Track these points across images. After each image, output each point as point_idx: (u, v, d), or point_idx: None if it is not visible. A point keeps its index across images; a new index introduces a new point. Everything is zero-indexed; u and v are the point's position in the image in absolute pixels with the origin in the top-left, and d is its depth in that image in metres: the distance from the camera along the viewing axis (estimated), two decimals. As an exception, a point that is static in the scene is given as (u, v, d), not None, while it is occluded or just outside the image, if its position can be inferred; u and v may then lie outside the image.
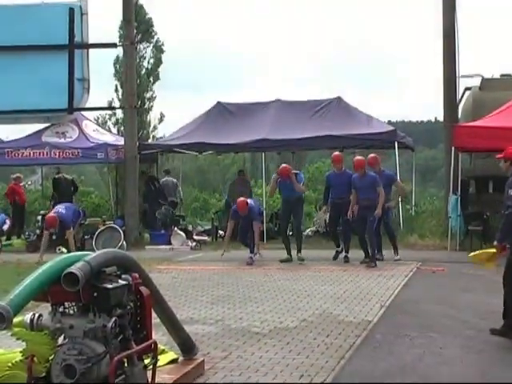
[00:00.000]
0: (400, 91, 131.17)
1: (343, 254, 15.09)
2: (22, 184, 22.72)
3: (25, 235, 20.23)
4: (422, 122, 75.25)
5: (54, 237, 16.86)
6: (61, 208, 16.89)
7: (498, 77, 20.16)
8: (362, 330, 8.36)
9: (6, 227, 17.77)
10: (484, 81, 19.46)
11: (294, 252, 15.07)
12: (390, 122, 26.97)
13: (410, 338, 7.94)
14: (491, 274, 12.58)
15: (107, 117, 33.02)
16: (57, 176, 22.10)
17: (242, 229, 15.37)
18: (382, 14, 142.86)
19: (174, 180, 22.78)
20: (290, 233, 16.72)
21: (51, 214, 16.15)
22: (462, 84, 19.82)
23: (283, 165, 15.81)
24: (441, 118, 21.42)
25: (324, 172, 42.86)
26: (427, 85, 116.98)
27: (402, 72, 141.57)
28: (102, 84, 40.41)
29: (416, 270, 13.80)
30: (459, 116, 19.82)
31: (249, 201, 15.29)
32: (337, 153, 15.79)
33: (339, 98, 21.64)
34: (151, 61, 34.13)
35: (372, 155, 15.42)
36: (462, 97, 20.02)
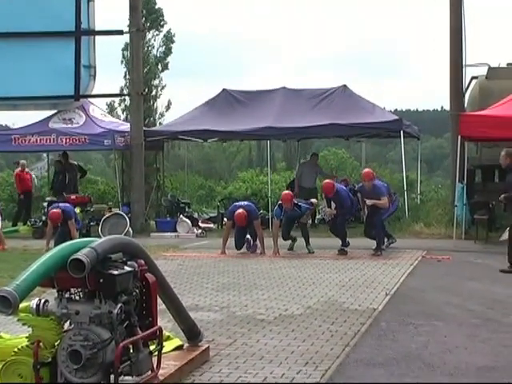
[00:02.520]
0: (406, 81, 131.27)
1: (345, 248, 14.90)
2: (27, 171, 22.69)
3: (31, 221, 20.28)
4: (428, 110, 75.25)
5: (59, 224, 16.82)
6: (61, 204, 16.83)
7: (505, 66, 20.08)
8: (367, 317, 8.37)
9: None
10: (490, 70, 19.39)
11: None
12: (396, 111, 26.99)
13: (415, 326, 7.94)
14: (497, 263, 12.61)
15: (116, 104, 33.18)
16: (63, 161, 22.10)
17: (238, 236, 15.05)
18: (390, 5, 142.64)
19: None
20: None
21: (54, 210, 15.97)
22: (468, 73, 19.78)
23: (285, 191, 15.76)
24: (447, 107, 21.41)
25: (329, 160, 43.16)
26: (434, 74, 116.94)
27: (409, 62, 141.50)
28: (112, 71, 40.51)
29: (421, 258, 13.79)
30: (465, 105, 19.75)
31: (246, 207, 14.95)
32: (328, 181, 15.33)
33: (344, 87, 21.57)
34: (160, 49, 34.23)
35: (367, 170, 15.42)
36: (469, 86, 19.96)
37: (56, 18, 19.91)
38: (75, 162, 22.79)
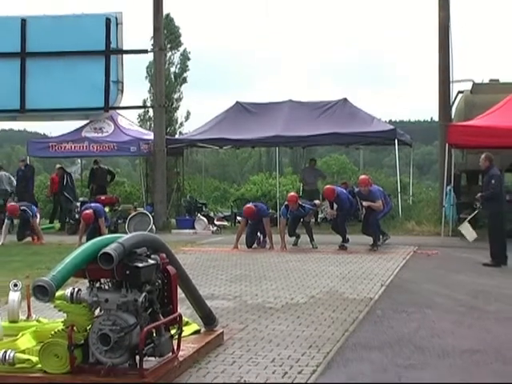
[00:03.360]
0: (401, 94, 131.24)
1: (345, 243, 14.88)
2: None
3: (65, 219, 20.34)
4: (419, 121, 74.94)
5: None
6: (93, 204, 16.83)
7: (487, 82, 20.03)
8: (365, 306, 8.36)
9: (37, 218, 17.37)
10: (475, 85, 19.35)
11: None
12: (391, 122, 26.87)
13: (407, 314, 7.93)
14: (481, 257, 12.57)
15: (142, 115, 33.33)
16: (94, 167, 22.21)
17: (249, 234, 15.02)
18: (387, 28, 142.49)
19: (7, 173, 22.59)
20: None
21: (87, 211, 15.93)
22: (455, 88, 19.75)
23: (291, 193, 15.69)
24: (436, 118, 21.34)
25: (331, 165, 43.09)
26: (424, 89, 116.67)
27: (403, 77, 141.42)
28: (138, 85, 40.66)
29: (413, 253, 13.76)
30: (452, 116, 19.72)
31: (256, 204, 15.21)
32: (328, 187, 15.32)
33: (345, 100, 21.54)
34: (178, 66, 34.33)
35: (363, 177, 15.43)
36: (455, 99, 19.91)
37: (89, 39, 20.06)
38: (105, 167, 22.86)
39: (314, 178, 21.22)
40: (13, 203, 17.17)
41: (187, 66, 34.50)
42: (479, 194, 12.75)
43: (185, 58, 34.48)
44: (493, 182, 12.21)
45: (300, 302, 8.65)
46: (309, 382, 5.41)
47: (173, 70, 33.91)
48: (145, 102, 31.53)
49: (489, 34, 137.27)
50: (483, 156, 12.57)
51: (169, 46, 32.27)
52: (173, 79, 33.61)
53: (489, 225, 12.79)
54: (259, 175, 36.13)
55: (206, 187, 28.03)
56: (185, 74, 34.37)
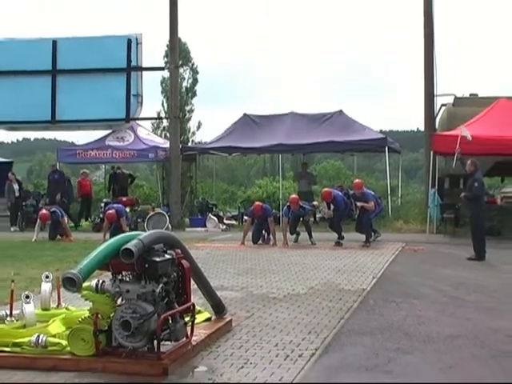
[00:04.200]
0: (390, 106, 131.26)
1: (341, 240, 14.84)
2: (88, 178, 22.75)
3: (91, 218, 20.37)
4: (406, 131, 74.81)
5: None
6: (115, 205, 16.88)
7: (468, 96, 20.00)
8: (358, 296, 8.35)
9: (66, 218, 17.30)
10: (456, 99, 19.34)
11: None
12: (381, 131, 26.71)
13: (396, 303, 7.92)
14: (463, 253, 12.54)
15: (155, 125, 33.37)
16: (117, 171, 22.23)
17: (255, 231, 14.97)
18: (379, 47, 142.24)
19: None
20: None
21: (110, 211, 15.97)
22: (438, 101, 19.75)
23: (292, 195, 15.67)
24: (422, 128, 21.31)
25: (328, 170, 42.99)
26: (411, 102, 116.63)
27: (392, 92, 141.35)
28: (151, 99, 40.64)
29: (401, 248, 13.72)
30: (436, 127, 19.70)
31: (263, 204, 15.23)
32: (326, 189, 15.34)
33: (341, 111, 21.53)
34: (189, 80, 34.40)
35: (357, 181, 15.38)
36: (439, 111, 19.89)
37: (112, 58, 20.28)
38: (127, 172, 22.88)
39: (308, 180, 21.19)
40: (44, 211, 17.00)
41: (196, 79, 34.62)
42: (463, 194, 12.73)
43: (194, 72, 34.57)
44: (476, 185, 12.22)
45: (300, 293, 8.64)
46: (308, 363, 5.40)
47: (184, 84, 33.96)
48: (159, 113, 31.58)
49: (470, 52, 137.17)
50: (469, 161, 12.56)
51: (180, 62, 32.33)
52: (185, 93, 33.65)
53: (471, 224, 12.77)
54: (264, 179, 36.11)
55: (216, 190, 27.99)
56: (195, 88, 34.45)
